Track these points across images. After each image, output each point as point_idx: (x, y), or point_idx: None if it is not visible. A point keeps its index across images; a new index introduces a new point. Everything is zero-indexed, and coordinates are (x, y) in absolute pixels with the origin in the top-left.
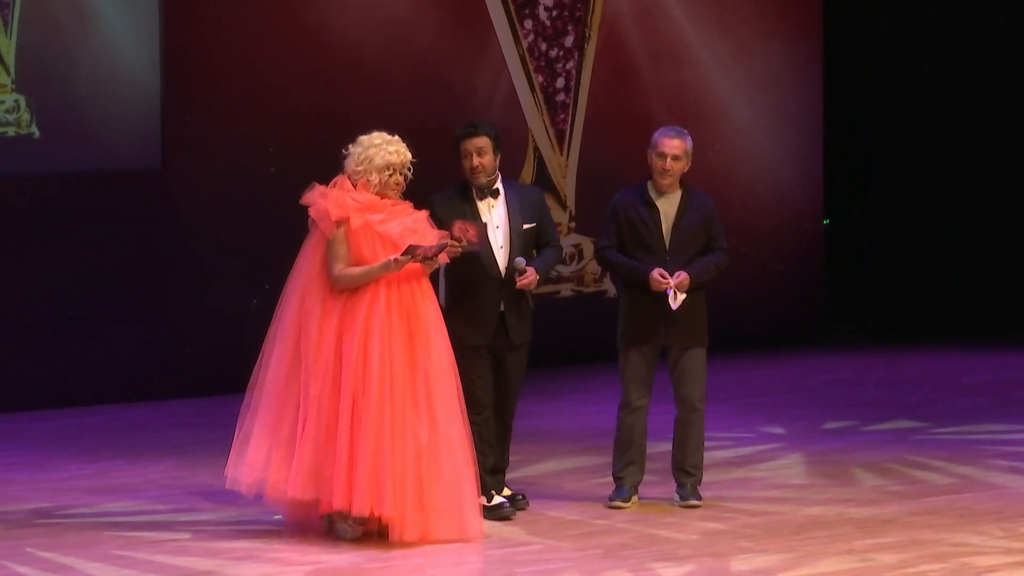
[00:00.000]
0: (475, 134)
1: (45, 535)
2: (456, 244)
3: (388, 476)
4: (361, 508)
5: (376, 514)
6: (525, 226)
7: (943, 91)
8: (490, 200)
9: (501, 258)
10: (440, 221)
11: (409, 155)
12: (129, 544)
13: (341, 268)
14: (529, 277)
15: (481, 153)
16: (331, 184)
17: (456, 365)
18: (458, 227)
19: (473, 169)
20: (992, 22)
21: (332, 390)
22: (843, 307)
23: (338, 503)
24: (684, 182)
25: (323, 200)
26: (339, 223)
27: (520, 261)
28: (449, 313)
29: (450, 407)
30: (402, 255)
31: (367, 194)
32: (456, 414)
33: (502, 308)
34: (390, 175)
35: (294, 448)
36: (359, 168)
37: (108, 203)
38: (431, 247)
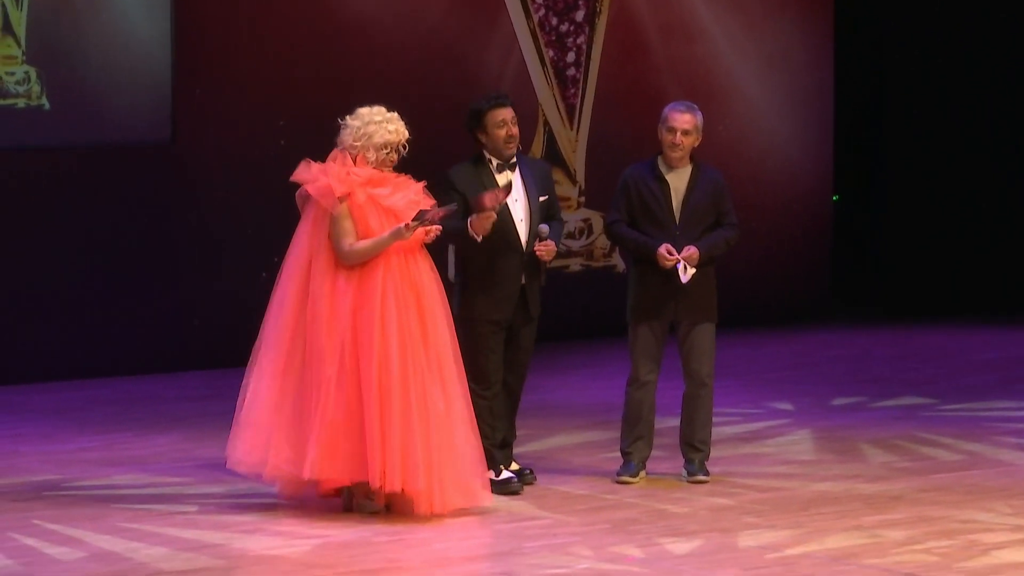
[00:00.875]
0: (506, 104)
1: (53, 507)
2: (490, 215)
3: (418, 450)
4: (393, 484)
5: (407, 490)
6: (540, 198)
7: (953, 68)
8: (508, 173)
9: (523, 231)
10: (460, 193)
11: (407, 133)
12: (137, 517)
13: (351, 243)
14: (550, 246)
15: (514, 122)
16: (330, 159)
17: (456, 335)
18: (488, 197)
19: (510, 138)
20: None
21: (351, 368)
22: (852, 283)
23: (373, 479)
24: (695, 157)
25: (325, 176)
26: (343, 199)
27: (544, 228)
28: (467, 288)
29: (454, 376)
30: (412, 221)
31: (368, 168)
32: (459, 382)
33: (523, 281)
34: (387, 153)
35: (296, 428)
36: (356, 144)
37: (118, 176)
38: (439, 210)
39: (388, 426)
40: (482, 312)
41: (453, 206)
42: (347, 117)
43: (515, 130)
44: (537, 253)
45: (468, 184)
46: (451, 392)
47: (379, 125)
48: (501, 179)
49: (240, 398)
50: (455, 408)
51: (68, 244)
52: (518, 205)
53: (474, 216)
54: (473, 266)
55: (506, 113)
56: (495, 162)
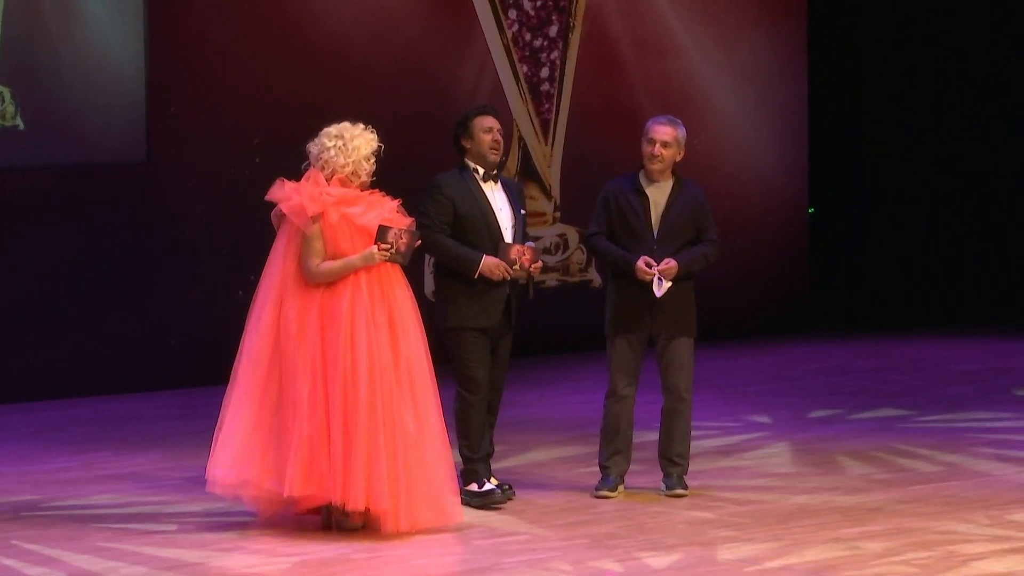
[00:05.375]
0: (490, 112)
1: (31, 527)
2: (510, 268)
3: (383, 469)
4: (356, 502)
5: (372, 509)
6: (522, 211)
7: (928, 78)
8: (491, 183)
9: (508, 239)
10: (451, 201)
11: None
12: (115, 536)
13: (318, 263)
14: (538, 263)
15: (500, 132)
16: (304, 178)
17: (429, 350)
18: (516, 250)
19: (495, 143)
20: (976, 9)
21: (323, 386)
22: (828, 295)
23: (335, 498)
24: (677, 172)
25: (297, 195)
26: (315, 219)
27: (530, 245)
28: (453, 298)
29: (427, 393)
30: (377, 240)
31: (340, 188)
32: (433, 400)
33: (507, 291)
34: (372, 162)
35: (275, 447)
36: (348, 161)
37: (93, 195)
38: (403, 236)
39: (352, 445)
40: (470, 320)
41: (418, 235)
42: (322, 140)
43: (500, 138)
44: (530, 270)
45: (457, 190)
46: (424, 409)
47: (362, 136)
48: (485, 188)
49: (219, 419)
50: (428, 426)
51: (44, 264)
52: (502, 214)
53: (492, 260)
54: (459, 276)
55: (490, 120)
56: (481, 171)
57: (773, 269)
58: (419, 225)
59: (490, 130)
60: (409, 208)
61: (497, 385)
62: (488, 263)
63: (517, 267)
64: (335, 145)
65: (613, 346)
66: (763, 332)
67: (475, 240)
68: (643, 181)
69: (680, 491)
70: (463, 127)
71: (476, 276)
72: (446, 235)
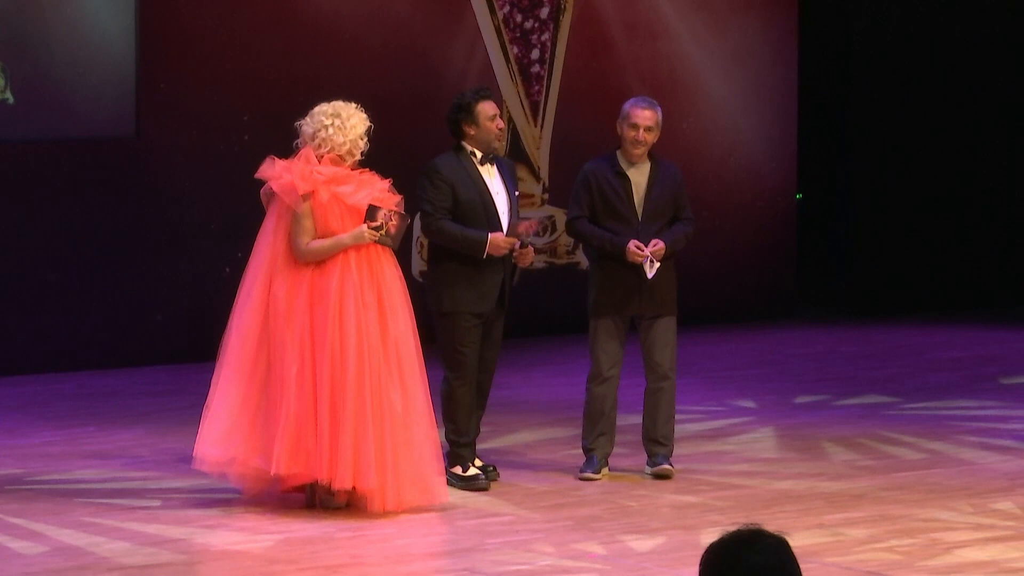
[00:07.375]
0: (491, 97)
1: (15, 501)
2: (512, 244)
3: (371, 448)
4: (343, 481)
5: (359, 488)
6: (516, 192)
7: (918, 68)
8: (488, 166)
9: (504, 223)
10: (451, 185)
11: None
12: (99, 511)
13: (307, 241)
14: (530, 251)
15: (501, 116)
16: (296, 157)
17: (417, 330)
18: (524, 225)
19: (501, 132)
20: None
21: (311, 364)
22: (815, 281)
23: (322, 476)
24: (652, 152)
25: (288, 174)
26: (306, 197)
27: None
28: (450, 282)
29: (415, 373)
30: (367, 220)
31: (331, 167)
32: (420, 380)
33: (502, 275)
34: (365, 141)
35: (263, 424)
36: (346, 140)
37: (82, 170)
38: (393, 217)
39: (339, 423)
40: (467, 305)
41: (408, 216)
42: (319, 118)
43: (504, 124)
44: (519, 261)
45: (455, 174)
46: (411, 389)
47: (356, 114)
48: (484, 171)
49: (208, 397)
50: (415, 405)
51: (31, 238)
52: (500, 198)
53: (499, 236)
54: (457, 260)
55: (492, 106)
56: (478, 155)
57: (760, 254)
58: (421, 212)
59: (494, 117)
60: (399, 187)
61: (489, 367)
62: (495, 240)
63: (529, 238)
64: (333, 124)
65: (596, 328)
66: (749, 317)
67: (473, 225)
68: (622, 163)
69: (666, 466)
70: (466, 113)
71: (485, 256)
72: (448, 220)
